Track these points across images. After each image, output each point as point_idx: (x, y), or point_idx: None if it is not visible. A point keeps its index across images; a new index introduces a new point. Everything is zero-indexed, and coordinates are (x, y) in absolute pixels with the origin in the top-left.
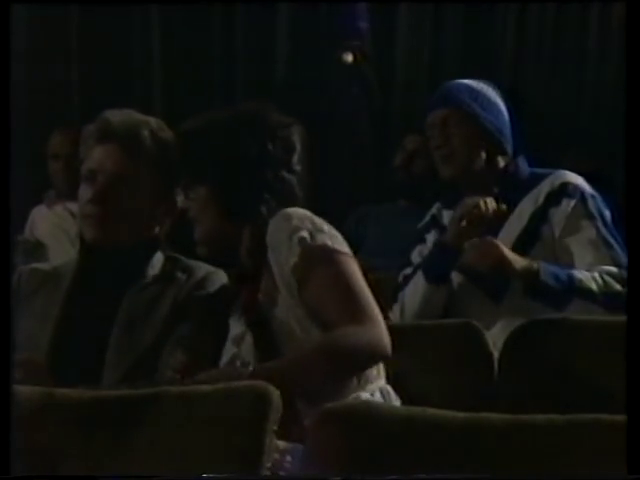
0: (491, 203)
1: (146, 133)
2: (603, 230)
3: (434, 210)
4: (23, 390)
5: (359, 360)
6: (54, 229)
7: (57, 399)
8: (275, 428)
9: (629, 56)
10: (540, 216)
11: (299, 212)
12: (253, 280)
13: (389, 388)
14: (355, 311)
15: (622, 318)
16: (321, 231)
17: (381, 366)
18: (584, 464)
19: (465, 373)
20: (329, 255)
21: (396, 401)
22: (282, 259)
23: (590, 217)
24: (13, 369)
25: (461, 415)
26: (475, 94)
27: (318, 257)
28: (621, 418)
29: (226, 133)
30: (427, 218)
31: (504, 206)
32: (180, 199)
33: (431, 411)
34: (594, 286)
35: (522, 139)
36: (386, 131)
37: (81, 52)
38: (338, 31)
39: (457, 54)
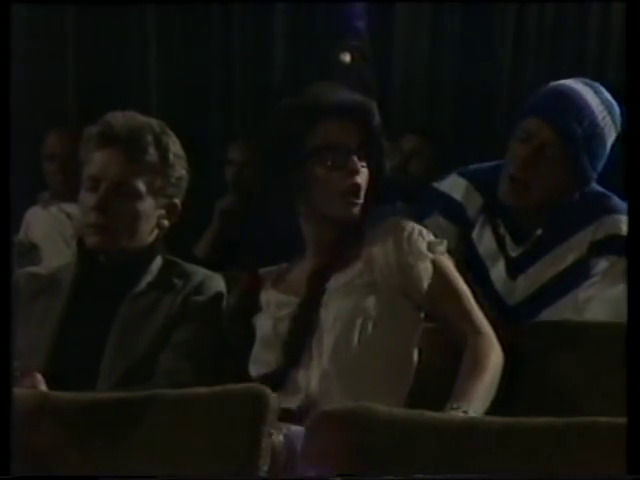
0: None
1: (149, 138)
2: None
3: (462, 192)
4: (18, 393)
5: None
6: (49, 231)
7: (52, 402)
8: (272, 431)
9: (629, 56)
10: (580, 266)
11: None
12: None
13: None
14: (479, 322)
15: (620, 321)
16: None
17: None
18: (582, 467)
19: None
20: (449, 264)
21: None
22: (410, 261)
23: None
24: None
25: (459, 418)
26: (593, 134)
27: (448, 265)
28: (619, 421)
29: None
30: (453, 196)
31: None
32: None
33: (429, 414)
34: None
35: (611, 169)
36: (384, 131)
37: (77, 53)
38: (336, 31)
39: (455, 55)
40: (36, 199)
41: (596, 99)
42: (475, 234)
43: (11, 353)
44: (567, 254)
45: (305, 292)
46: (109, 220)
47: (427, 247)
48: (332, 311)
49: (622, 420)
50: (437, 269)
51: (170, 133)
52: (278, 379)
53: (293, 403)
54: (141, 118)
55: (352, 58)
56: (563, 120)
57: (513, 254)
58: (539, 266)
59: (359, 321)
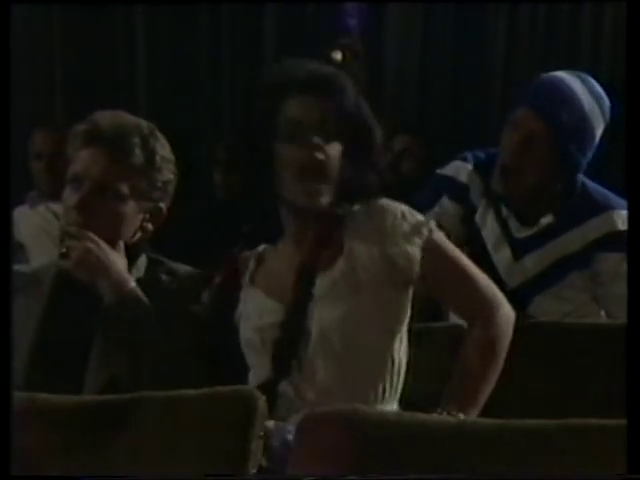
0: None
1: (136, 139)
2: None
3: (465, 175)
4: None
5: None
6: (36, 230)
7: (39, 404)
8: (261, 433)
9: (629, 56)
10: (581, 257)
11: (398, 204)
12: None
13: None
14: (480, 284)
15: (619, 322)
16: (429, 223)
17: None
18: (574, 469)
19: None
20: (447, 243)
21: None
22: (399, 248)
23: None
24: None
25: (451, 420)
26: (582, 124)
27: (442, 242)
28: (612, 423)
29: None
30: (457, 178)
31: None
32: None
33: (421, 416)
34: None
35: (600, 161)
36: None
37: (65, 52)
38: (327, 30)
39: (447, 53)
40: (23, 198)
41: (584, 90)
42: (478, 217)
43: (11, 353)
44: (569, 244)
45: (291, 299)
46: (89, 220)
47: (412, 230)
48: (320, 318)
49: (615, 422)
50: (428, 251)
51: (159, 136)
52: (272, 391)
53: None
54: (130, 119)
55: (343, 56)
56: (551, 110)
57: (518, 235)
58: (543, 251)
59: (348, 326)
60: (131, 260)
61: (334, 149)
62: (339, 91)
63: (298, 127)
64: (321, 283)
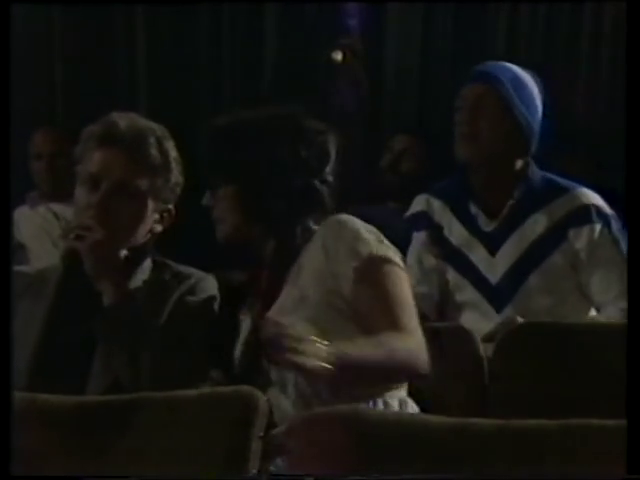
0: None
1: (152, 140)
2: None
3: (423, 204)
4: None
5: (403, 370)
6: (37, 231)
7: (40, 405)
8: (261, 434)
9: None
10: (557, 235)
11: (357, 220)
12: (270, 287)
13: (409, 400)
14: (402, 324)
15: (616, 322)
16: (382, 242)
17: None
18: (575, 469)
19: (456, 377)
20: (389, 267)
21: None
22: (339, 263)
23: (616, 242)
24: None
25: (451, 420)
26: (518, 83)
27: (379, 266)
28: (612, 423)
29: (260, 134)
30: (416, 210)
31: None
32: (206, 197)
33: (421, 416)
34: None
35: (549, 141)
36: (375, 131)
37: (65, 52)
38: (328, 30)
39: (448, 54)
40: (24, 199)
41: (515, 67)
42: (445, 232)
43: (11, 353)
44: (536, 226)
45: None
46: (106, 219)
47: (351, 249)
48: None
49: (615, 422)
50: (362, 274)
51: (170, 138)
52: None
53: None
54: (143, 121)
55: (344, 57)
56: (488, 74)
57: (487, 229)
58: (514, 238)
59: None
60: (137, 262)
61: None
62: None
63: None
64: (275, 308)
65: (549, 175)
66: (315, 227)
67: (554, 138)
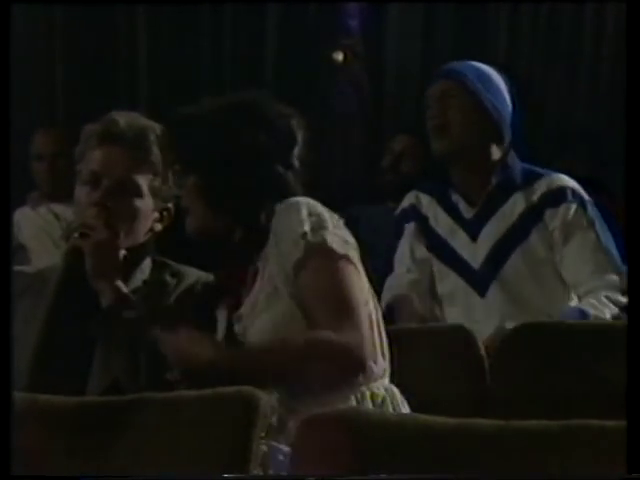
0: None
1: (152, 138)
2: (602, 236)
3: (412, 198)
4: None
5: (334, 363)
6: (38, 231)
7: (40, 405)
8: (262, 434)
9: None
10: (533, 215)
11: (309, 203)
12: (240, 278)
13: (394, 389)
14: (339, 315)
15: (615, 322)
16: (323, 228)
17: (387, 364)
18: (575, 470)
19: (456, 377)
20: (325, 255)
21: (402, 402)
22: (285, 251)
23: (591, 223)
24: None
25: (452, 421)
26: (479, 73)
27: (314, 255)
28: (612, 424)
29: (219, 121)
30: (405, 205)
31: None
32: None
33: (422, 417)
34: (607, 313)
35: (521, 132)
36: (376, 131)
37: (65, 52)
38: (328, 30)
39: (449, 54)
40: (25, 199)
41: (479, 64)
42: (432, 222)
43: (11, 353)
44: (516, 208)
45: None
46: (108, 217)
47: (299, 232)
48: (253, 334)
49: (616, 423)
50: (300, 263)
51: (169, 136)
52: None
53: None
54: (143, 119)
55: (345, 57)
56: (451, 70)
57: (469, 216)
58: (493, 222)
59: (280, 330)
60: (137, 262)
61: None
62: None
63: None
64: (246, 303)
65: (530, 166)
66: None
67: (524, 129)
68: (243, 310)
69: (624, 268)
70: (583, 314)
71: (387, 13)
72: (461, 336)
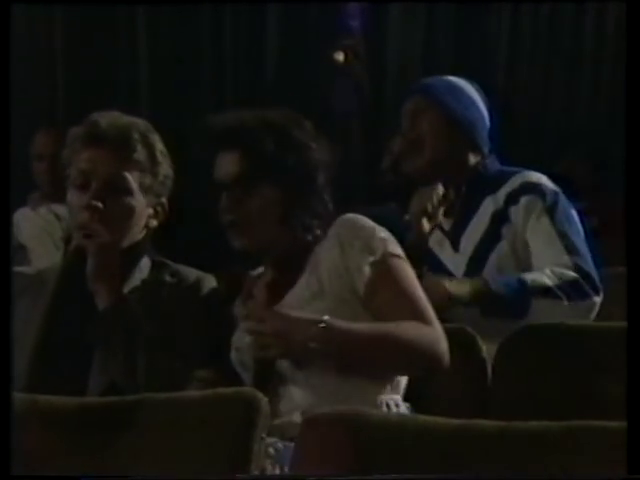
0: (441, 191)
1: (136, 136)
2: (559, 222)
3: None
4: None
5: (419, 357)
6: (38, 232)
7: (41, 406)
8: (263, 435)
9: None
10: (500, 216)
11: (369, 219)
12: (274, 283)
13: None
14: (425, 316)
15: (615, 323)
16: (394, 241)
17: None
18: (576, 470)
19: (457, 378)
20: (402, 263)
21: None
22: (354, 259)
23: (547, 210)
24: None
25: (454, 422)
26: (450, 86)
27: (394, 263)
28: (613, 424)
29: (286, 138)
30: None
31: (452, 194)
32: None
33: (423, 418)
34: (548, 281)
35: (498, 139)
36: (377, 132)
37: (65, 52)
38: (329, 30)
39: (450, 54)
40: (25, 200)
41: (450, 77)
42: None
43: (11, 353)
44: (487, 213)
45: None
46: (100, 219)
47: (366, 246)
48: None
49: (615, 423)
50: (378, 270)
51: (155, 132)
52: None
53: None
54: (126, 117)
55: (345, 57)
56: (421, 85)
57: (447, 227)
58: (469, 230)
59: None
60: (135, 260)
61: (260, 197)
62: (256, 141)
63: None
64: (290, 296)
65: (507, 168)
66: (317, 227)
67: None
68: (285, 303)
69: (585, 258)
70: (520, 282)
71: (388, 13)
72: (462, 338)
